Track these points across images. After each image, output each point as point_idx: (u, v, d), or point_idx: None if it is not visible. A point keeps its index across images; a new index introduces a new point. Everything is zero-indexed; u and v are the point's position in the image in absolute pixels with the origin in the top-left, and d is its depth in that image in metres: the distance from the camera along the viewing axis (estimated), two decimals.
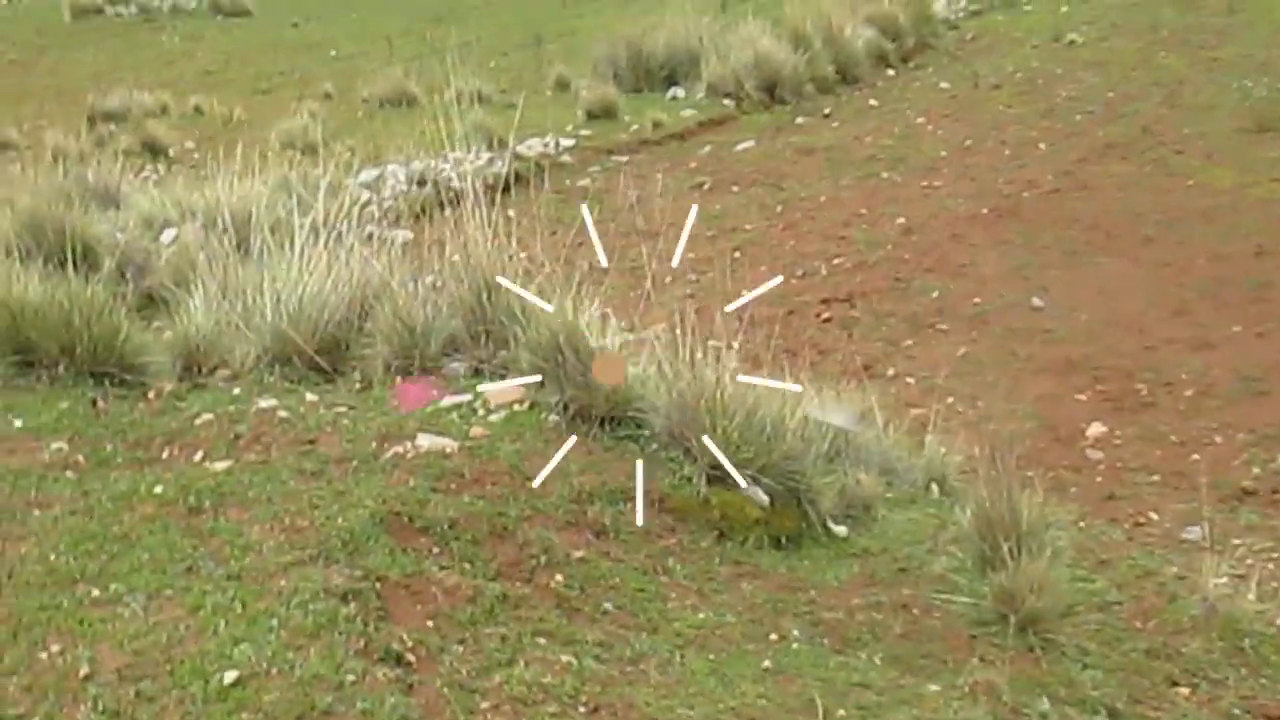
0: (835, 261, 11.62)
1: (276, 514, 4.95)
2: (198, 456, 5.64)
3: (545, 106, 16.50)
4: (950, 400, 8.76)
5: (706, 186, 13.93)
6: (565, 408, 5.88)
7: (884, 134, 15.70)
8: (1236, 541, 7.10)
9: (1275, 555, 6.95)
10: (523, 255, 6.73)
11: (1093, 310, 10.34)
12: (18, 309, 6.49)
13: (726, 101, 16.95)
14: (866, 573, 5.58)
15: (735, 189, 13.84)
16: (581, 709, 4.14)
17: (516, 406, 6.08)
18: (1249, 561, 6.75)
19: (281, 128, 15.88)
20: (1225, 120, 15.21)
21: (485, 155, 13.53)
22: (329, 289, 6.73)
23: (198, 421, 6.01)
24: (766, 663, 4.58)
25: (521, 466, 5.48)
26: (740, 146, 15.35)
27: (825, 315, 10.46)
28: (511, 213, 8.49)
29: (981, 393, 8.80)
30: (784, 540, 5.65)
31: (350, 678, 4.00)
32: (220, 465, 5.47)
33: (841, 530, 5.93)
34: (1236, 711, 5.11)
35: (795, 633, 4.87)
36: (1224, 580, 6.15)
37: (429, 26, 24.64)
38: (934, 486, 6.64)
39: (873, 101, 17.46)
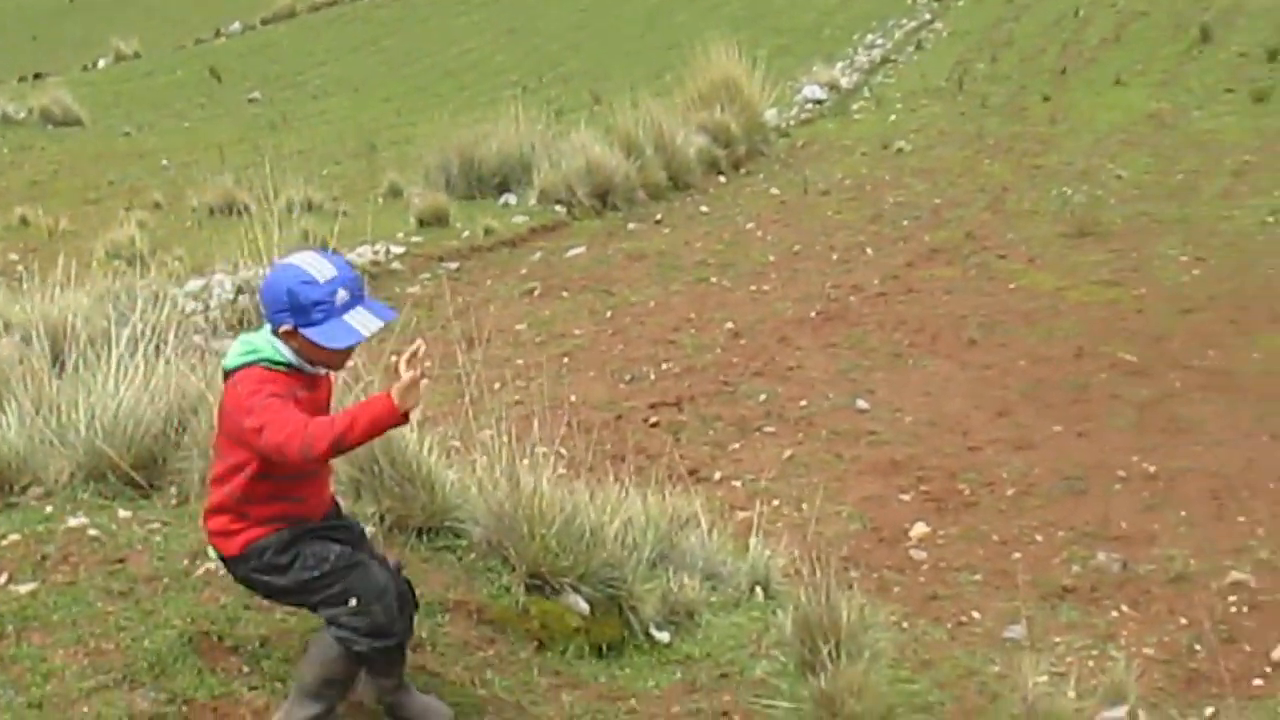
0: (664, 366, 11.66)
1: (81, 637, 4.81)
2: (2, 579, 5.46)
3: (377, 214, 16.38)
4: (776, 503, 8.79)
5: (537, 292, 13.94)
6: (382, 519, 5.80)
7: (714, 240, 15.86)
8: (1057, 639, 7.18)
9: (1095, 652, 7.03)
10: (351, 364, 6.66)
11: (917, 412, 10.49)
12: None
13: (558, 208, 17.02)
14: (688, 679, 5.55)
15: (565, 295, 13.87)
16: None
17: None
18: (1069, 659, 6.82)
19: (108, 238, 15.57)
20: (1047, 225, 15.61)
21: None
22: (145, 402, 6.57)
23: (4, 542, 5.82)
24: None
25: None
26: (571, 252, 15.41)
27: (653, 420, 10.48)
28: None
29: (807, 495, 8.84)
30: (605, 649, 5.62)
31: None
32: (25, 588, 5.31)
33: (664, 637, 5.91)
34: None
35: None
36: (1044, 678, 6.21)
37: (262, 135, 24.52)
38: (758, 590, 6.64)
39: (704, 208, 17.65)
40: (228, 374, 4.38)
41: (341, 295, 4.28)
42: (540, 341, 12.40)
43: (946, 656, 6.64)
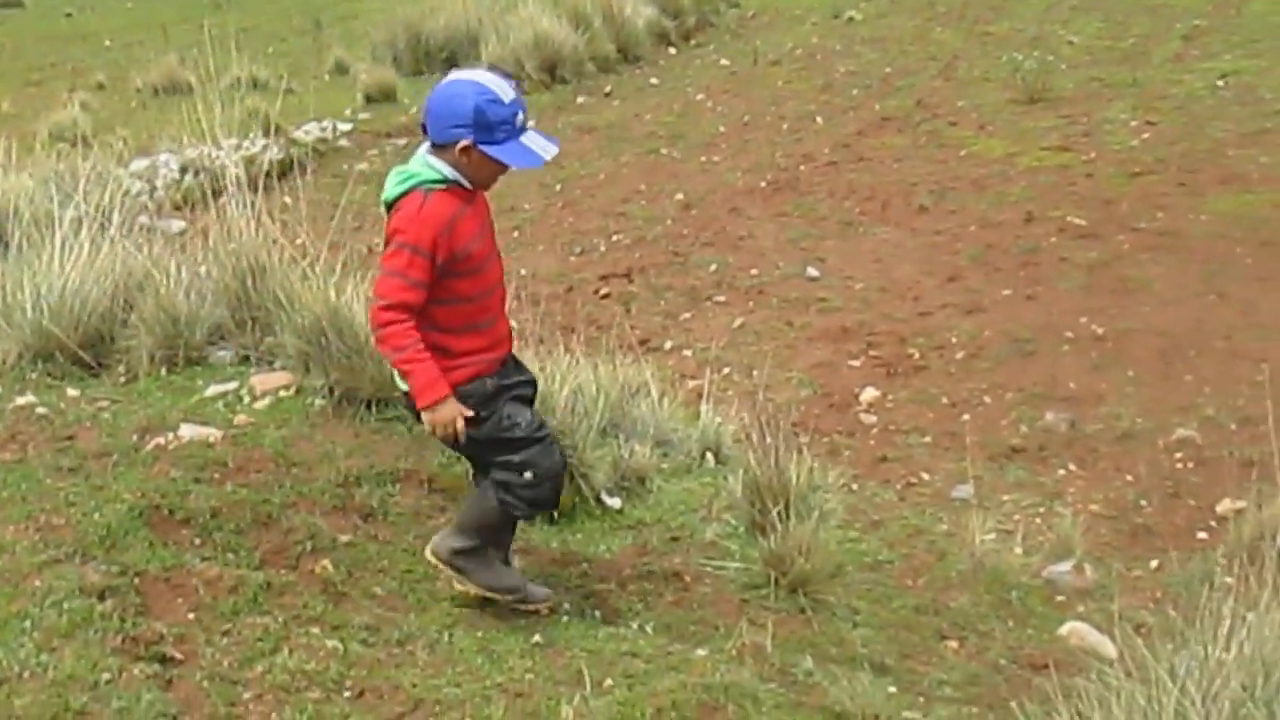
0: (614, 238, 11.66)
1: (31, 513, 4.81)
2: None
3: (324, 91, 16.29)
4: (726, 371, 8.84)
5: None
6: (331, 391, 5.80)
7: (664, 111, 15.80)
8: (1005, 498, 7.28)
9: (1042, 510, 7.14)
10: (299, 241, 6.63)
11: (867, 279, 10.53)
12: None
13: None
14: (639, 544, 5.59)
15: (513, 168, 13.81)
16: (346, 694, 4.09)
17: (283, 392, 6.00)
18: (1015, 517, 6.93)
19: (52, 120, 15.39)
20: (997, 92, 15.58)
21: (261, 142, 13.28)
22: (91, 282, 6.54)
23: None
24: (536, 637, 4.58)
25: (287, 453, 5.40)
26: None
27: (604, 291, 10.50)
28: (287, 198, 8.39)
29: (757, 362, 8.89)
30: (556, 515, 5.64)
31: (106, 676, 3.90)
32: None
33: (615, 503, 5.95)
34: (1003, 661, 5.23)
35: (566, 606, 4.87)
36: (992, 536, 6.31)
37: (206, 14, 24.11)
38: (709, 456, 6.68)
39: (653, 79, 17.56)
40: (389, 205, 4.39)
41: (520, 117, 4.32)
42: None
43: (896, 516, 6.72)
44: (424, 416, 4.35)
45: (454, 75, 4.42)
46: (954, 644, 5.35)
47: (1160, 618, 5.79)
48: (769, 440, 5.81)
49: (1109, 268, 10.44)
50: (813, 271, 10.71)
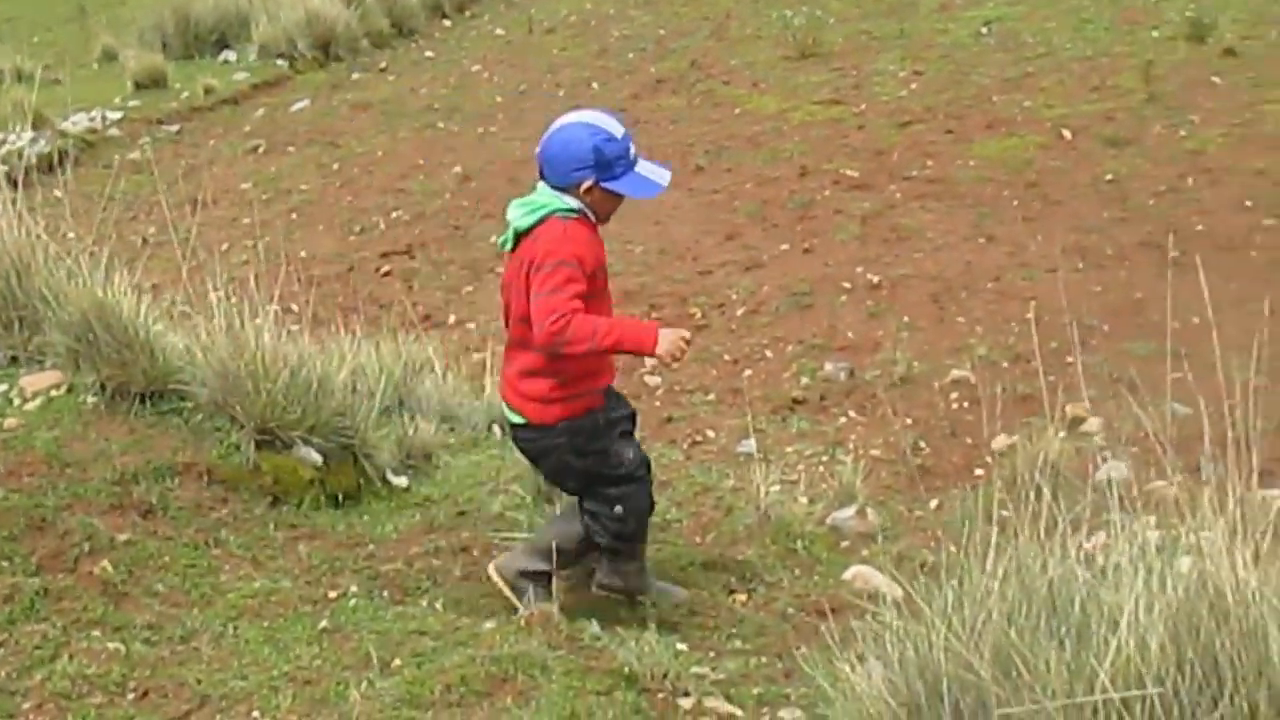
0: (394, 215, 11.60)
1: None
2: None
3: (92, 80, 15.91)
4: None
5: (261, 150, 13.71)
6: (103, 387, 5.69)
7: (440, 84, 15.73)
8: (788, 449, 7.42)
9: (824, 459, 7.29)
10: (70, 235, 6.49)
11: (647, 241, 10.62)
12: None
13: (280, 62, 16.69)
14: (427, 520, 5.61)
15: (291, 150, 13.66)
16: (130, 696, 4.04)
17: (53, 392, 5.87)
18: (799, 467, 7.07)
19: None
20: (769, 50, 15.76)
21: (27, 135, 12.94)
22: None
23: None
24: (324, 623, 4.56)
25: (60, 453, 5.29)
26: (295, 107, 15.16)
27: (385, 269, 10.44)
28: (58, 192, 8.17)
29: None
30: (341, 498, 5.63)
31: None
32: None
33: (402, 481, 5.95)
34: (790, 610, 5.33)
35: (354, 589, 4.87)
36: (777, 487, 6.42)
37: None
38: (495, 429, 6.71)
39: (429, 53, 17.46)
40: (521, 234, 4.59)
41: (633, 150, 4.59)
42: (267, 199, 12.20)
43: (683, 475, 6.81)
44: (660, 354, 4.51)
45: (563, 121, 4.61)
46: (742, 597, 5.45)
47: (939, 555, 5.97)
48: None
49: (882, 217, 10.67)
50: None
